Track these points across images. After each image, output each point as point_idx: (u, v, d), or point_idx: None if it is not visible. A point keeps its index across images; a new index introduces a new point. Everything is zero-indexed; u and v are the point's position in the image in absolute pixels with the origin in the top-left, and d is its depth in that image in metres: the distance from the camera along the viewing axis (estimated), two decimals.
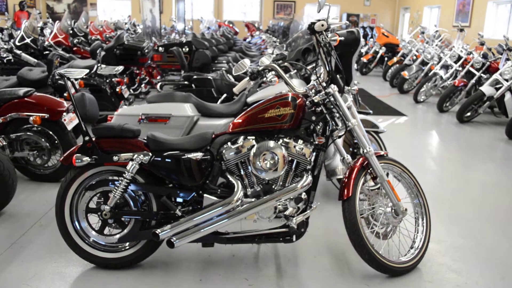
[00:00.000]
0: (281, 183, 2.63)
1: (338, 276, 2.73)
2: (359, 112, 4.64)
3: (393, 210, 2.79)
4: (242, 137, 2.64)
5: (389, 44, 12.07)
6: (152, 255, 2.79)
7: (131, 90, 6.93)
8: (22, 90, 3.87)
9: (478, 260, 2.96)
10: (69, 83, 2.62)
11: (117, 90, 6.01)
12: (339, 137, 2.74)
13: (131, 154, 2.56)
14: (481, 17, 13.00)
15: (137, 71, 7.49)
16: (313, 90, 2.72)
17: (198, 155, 2.58)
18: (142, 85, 7.43)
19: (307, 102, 2.67)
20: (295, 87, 2.78)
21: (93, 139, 2.62)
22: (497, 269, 2.86)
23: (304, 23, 6.38)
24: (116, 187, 2.57)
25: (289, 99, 2.61)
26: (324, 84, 2.69)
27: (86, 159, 2.55)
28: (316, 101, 2.66)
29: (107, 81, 6.02)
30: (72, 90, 4.57)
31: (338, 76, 3.62)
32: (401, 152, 5.45)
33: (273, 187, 2.63)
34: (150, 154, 2.57)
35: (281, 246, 3.05)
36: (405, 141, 6.03)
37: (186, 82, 4.80)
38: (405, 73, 9.41)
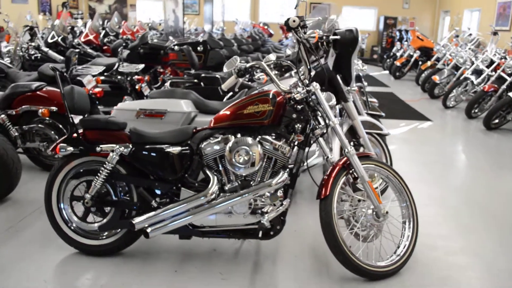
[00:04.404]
0: (259, 179, 2.63)
1: (315, 277, 2.70)
2: (370, 114, 4.57)
3: (374, 213, 2.73)
4: (221, 133, 2.67)
5: (423, 47, 11.74)
6: (136, 245, 2.87)
7: (153, 88, 7.10)
8: (34, 84, 4.07)
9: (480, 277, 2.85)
10: (59, 78, 2.74)
11: (137, 87, 6.18)
12: (321, 135, 2.72)
13: (113, 145, 2.65)
14: None
15: (161, 70, 7.66)
16: (297, 88, 2.71)
17: (177, 149, 2.64)
18: (166, 84, 7.59)
19: (289, 100, 2.66)
20: (280, 85, 2.77)
21: (81, 130, 2.73)
22: None
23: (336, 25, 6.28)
24: (97, 177, 2.66)
25: (269, 96, 2.62)
26: (307, 82, 2.68)
27: (70, 149, 2.65)
28: (297, 99, 2.65)
29: (128, 78, 6.19)
30: (83, 86, 4.76)
31: (338, 75, 3.59)
32: (418, 157, 5.30)
33: (251, 183, 2.64)
34: (131, 146, 2.64)
35: (264, 243, 3.04)
36: (424, 146, 5.84)
37: (195, 80, 4.88)
38: (436, 78, 9.13)
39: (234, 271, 2.71)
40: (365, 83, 4.63)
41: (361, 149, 3.80)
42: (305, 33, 2.55)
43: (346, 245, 2.58)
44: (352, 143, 3.90)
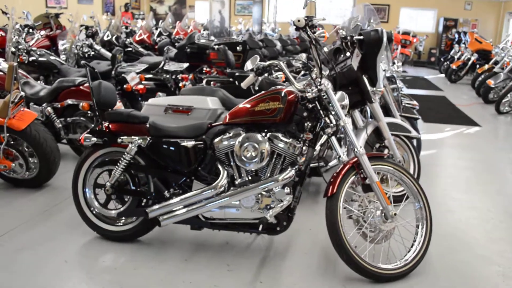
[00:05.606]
0: (268, 175, 2.70)
1: (319, 274, 2.72)
2: (404, 116, 4.47)
3: (383, 214, 2.71)
4: (234, 129, 2.76)
5: (482, 50, 11.19)
6: (153, 234, 3.03)
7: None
8: (78, 80, 4.37)
9: None
10: (89, 73, 2.95)
11: (180, 85, 6.42)
12: (332, 134, 2.73)
13: (133, 137, 2.82)
14: None
15: (207, 69, 7.88)
16: (311, 87, 2.75)
17: (190, 142, 2.76)
18: (212, 82, 7.80)
19: (302, 98, 2.70)
20: (295, 83, 2.82)
21: (106, 123, 2.93)
22: None
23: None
24: (117, 166, 2.84)
25: (281, 94, 2.68)
26: (319, 80, 2.70)
27: (93, 139, 2.85)
28: (309, 97, 2.69)
29: (173, 77, 6.45)
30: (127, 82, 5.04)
31: (364, 76, 3.57)
32: (455, 162, 5.11)
33: (261, 178, 2.71)
34: (148, 138, 2.80)
35: (277, 240, 3.10)
36: (465, 152, 5.60)
37: (230, 79, 5.01)
38: (491, 82, 8.69)
39: (241, 264, 2.79)
40: (400, 85, 4.54)
41: (386, 151, 3.75)
42: (314, 32, 2.59)
43: (350, 245, 2.59)
44: (377, 145, 3.86)
